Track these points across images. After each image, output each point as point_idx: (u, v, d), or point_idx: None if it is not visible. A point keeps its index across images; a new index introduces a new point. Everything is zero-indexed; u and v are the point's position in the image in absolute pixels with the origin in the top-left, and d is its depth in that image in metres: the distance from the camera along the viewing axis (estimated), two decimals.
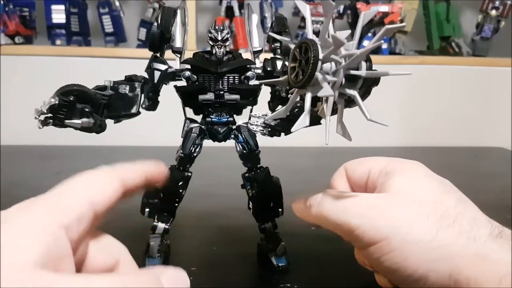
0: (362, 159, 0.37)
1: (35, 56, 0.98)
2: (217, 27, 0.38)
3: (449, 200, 0.31)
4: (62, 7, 1.00)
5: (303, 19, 1.09)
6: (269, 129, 0.38)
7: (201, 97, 0.39)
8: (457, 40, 1.15)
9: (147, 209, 0.41)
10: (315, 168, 0.81)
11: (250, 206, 0.43)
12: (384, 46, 1.08)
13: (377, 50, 1.08)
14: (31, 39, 1.04)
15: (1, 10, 0.97)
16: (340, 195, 0.32)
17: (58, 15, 1.00)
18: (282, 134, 0.39)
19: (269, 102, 0.41)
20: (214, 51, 0.38)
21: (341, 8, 1.09)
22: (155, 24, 0.39)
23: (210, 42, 0.38)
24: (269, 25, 1.05)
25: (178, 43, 0.40)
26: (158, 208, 0.41)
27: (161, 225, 0.41)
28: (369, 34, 1.08)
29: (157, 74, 0.39)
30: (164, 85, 0.40)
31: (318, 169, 0.63)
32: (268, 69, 0.40)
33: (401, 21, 1.06)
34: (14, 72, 0.97)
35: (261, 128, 0.39)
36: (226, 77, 0.39)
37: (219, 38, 0.38)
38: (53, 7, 0.99)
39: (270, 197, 0.42)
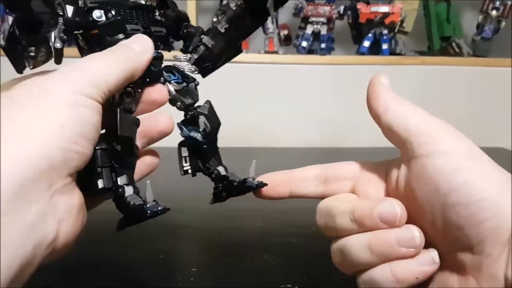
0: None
1: None
2: None
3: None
4: None
5: (303, 19, 1.09)
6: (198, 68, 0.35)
7: None
8: (458, 41, 1.15)
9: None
10: None
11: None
12: (385, 46, 1.08)
13: (377, 51, 1.09)
14: None
15: (1, 10, 0.97)
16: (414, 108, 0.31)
17: None
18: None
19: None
20: None
21: (342, 8, 1.09)
22: None
23: None
24: (269, 25, 1.06)
25: None
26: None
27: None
28: (370, 35, 1.08)
29: None
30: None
31: None
32: None
33: (402, 21, 1.07)
34: (14, 73, 0.97)
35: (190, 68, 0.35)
36: None
37: None
38: None
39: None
